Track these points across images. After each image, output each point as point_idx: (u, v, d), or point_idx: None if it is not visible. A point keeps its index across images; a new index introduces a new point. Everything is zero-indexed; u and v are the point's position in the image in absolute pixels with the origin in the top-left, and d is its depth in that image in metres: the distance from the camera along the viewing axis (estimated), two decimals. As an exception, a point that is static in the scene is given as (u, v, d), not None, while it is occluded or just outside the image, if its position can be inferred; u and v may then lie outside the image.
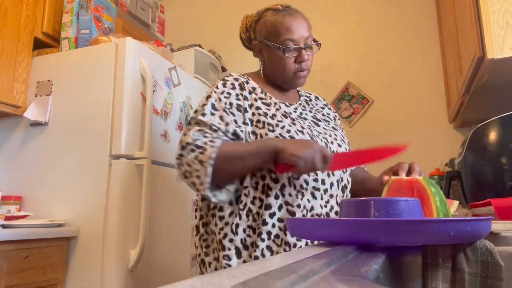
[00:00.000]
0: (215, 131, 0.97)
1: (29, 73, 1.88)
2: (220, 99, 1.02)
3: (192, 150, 0.92)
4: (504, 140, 1.16)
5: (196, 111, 1.03)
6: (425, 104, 2.25)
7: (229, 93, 1.04)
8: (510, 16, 1.20)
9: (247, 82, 1.08)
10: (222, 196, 0.96)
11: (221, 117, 0.99)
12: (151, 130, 1.70)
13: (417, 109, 2.26)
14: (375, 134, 2.32)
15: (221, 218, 0.99)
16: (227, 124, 0.99)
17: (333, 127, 1.17)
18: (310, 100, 1.25)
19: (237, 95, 1.04)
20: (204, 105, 1.02)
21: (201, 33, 2.82)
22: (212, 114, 1.00)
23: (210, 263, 1.00)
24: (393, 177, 0.86)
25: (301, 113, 1.13)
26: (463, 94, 1.63)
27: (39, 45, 1.96)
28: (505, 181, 1.13)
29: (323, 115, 1.22)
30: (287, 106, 1.11)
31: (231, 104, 1.02)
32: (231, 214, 0.99)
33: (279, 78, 1.11)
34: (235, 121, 1.00)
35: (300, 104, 1.17)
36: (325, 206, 1.00)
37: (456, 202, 0.83)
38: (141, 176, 1.64)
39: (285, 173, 0.97)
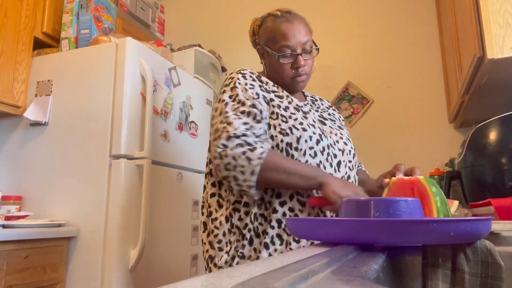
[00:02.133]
0: (259, 121, 0.98)
1: (29, 73, 1.88)
2: (246, 90, 1.02)
3: (241, 145, 0.91)
4: (504, 140, 1.16)
5: (223, 102, 1.01)
6: (425, 104, 2.25)
7: (252, 85, 1.04)
8: (510, 16, 1.20)
9: (260, 76, 1.11)
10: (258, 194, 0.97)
11: (253, 106, 0.99)
12: (151, 130, 1.70)
13: (417, 109, 2.26)
14: (375, 134, 2.32)
15: (247, 212, 1.00)
16: (261, 112, 0.99)
17: (339, 126, 1.18)
18: (316, 100, 1.28)
19: (260, 86, 1.05)
20: (235, 96, 1.01)
21: (201, 33, 2.82)
22: (246, 103, 1.00)
23: (221, 257, 1.00)
24: (394, 177, 0.86)
25: (309, 110, 1.15)
26: (463, 94, 1.63)
27: (39, 45, 1.96)
28: (505, 181, 1.13)
29: (329, 114, 1.24)
30: (299, 101, 1.13)
31: (257, 94, 1.02)
32: (250, 204, 1.00)
33: (279, 82, 1.13)
34: (264, 110, 1.01)
35: (307, 103, 1.20)
36: None
37: (456, 202, 0.84)
38: (141, 176, 1.64)
39: (316, 207, 0.98)
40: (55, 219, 1.60)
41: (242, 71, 1.09)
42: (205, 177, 1.12)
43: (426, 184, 0.75)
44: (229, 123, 0.95)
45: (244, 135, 0.93)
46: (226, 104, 1.00)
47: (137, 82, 1.73)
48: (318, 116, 1.16)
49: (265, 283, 0.20)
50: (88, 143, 1.67)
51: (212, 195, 1.07)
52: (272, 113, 1.02)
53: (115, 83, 1.69)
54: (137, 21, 2.58)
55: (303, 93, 1.27)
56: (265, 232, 0.96)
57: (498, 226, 0.64)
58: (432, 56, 2.27)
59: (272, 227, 0.96)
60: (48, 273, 1.51)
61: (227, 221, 1.01)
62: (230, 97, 1.01)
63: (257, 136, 0.95)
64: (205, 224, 1.08)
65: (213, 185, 1.08)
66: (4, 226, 1.47)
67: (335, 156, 1.06)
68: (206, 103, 2.28)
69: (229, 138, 0.92)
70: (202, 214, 1.10)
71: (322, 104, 1.28)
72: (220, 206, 1.05)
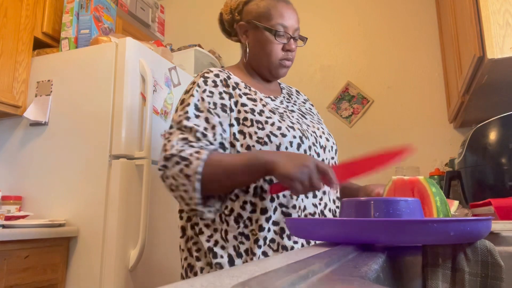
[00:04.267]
0: (199, 139, 0.89)
1: (29, 73, 1.88)
2: (203, 99, 0.94)
3: (177, 163, 0.84)
4: (504, 140, 1.16)
5: (177, 113, 0.94)
6: (425, 104, 2.25)
7: (211, 92, 0.96)
8: (510, 16, 1.20)
9: (229, 78, 1.01)
10: (215, 207, 0.90)
11: (206, 119, 0.92)
12: (151, 130, 1.70)
13: (417, 109, 2.26)
14: (375, 134, 2.32)
15: (208, 225, 0.92)
16: (213, 127, 0.92)
17: (318, 121, 1.13)
18: (292, 93, 1.20)
19: (220, 93, 0.96)
20: (186, 105, 0.93)
21: (201, 33, 2.82)
22: (197, 116, 0.92)
23: (202, 268, 0.91)
24: (394, 177, 0.86)
25: (287, 106, 1.08)
26: (463, 94, 1.63)
27: (39, 45, 1.96)
28: (505, 181, 1.13)
29: (306, 109, 1.17)
30: (272, 100, 1.06)
31: (215, 104, 0.94)
32: (215, 220, 0.91)
33: (263, 64, 1.05)
34: (221, 123, 0.93)
35: (284, 97, 1.13)
36: (319, 204, 0.96)
37: (456, 202, 0.84)
38: (141, 176, 1.64)
39: (280, 193, 0.89)
40: (55, 219, 1.60)
41: (206, 74, 1.00)
42: None
43: (426, 184, 0.75)
44: (169, 141, 0.89)
45: (180, 150, 0.86)
46: (176, 113, 0.94)
47: (137, 82, 1.73)
48: (297, 110, 1.10)
49: (265, 283, 0.20)
50: (88, 143, 1.67)
51: None
52: (245, 119, 0.93)
53: (115, 83, 1.69)
54: (137, 21, 2.58)
55: (279, 84, 1.19)
56: (251, 252, 0.88)
57: (498, 226, 0.64)
58: (432, 56, 2.27)
59: (259, 247, 0.87)
60: (48, 273, 1.51)
61: (208, 227, 0.93)
62: (184, 107, 0.93)
63: (196, 150, 0.87)
64: (183, 229, 0.98)
65: None
66: (4, 226, 1.47)
67: (318, 155, 1.00)
68: (206, 103, 2.28)
69: (166, 159, 0.86)
70: (181, 218, 1.00)
71: (298, 98, 1.20)
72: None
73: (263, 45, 1.03)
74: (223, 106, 0.95)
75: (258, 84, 1.09)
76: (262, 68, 1.06)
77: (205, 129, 0.91)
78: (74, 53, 1.83)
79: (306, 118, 1.09)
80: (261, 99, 1.01)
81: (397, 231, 0.38)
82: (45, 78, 1.84)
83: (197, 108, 0.93)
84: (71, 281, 1.57)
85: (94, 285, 1.52)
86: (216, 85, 0.97)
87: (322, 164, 0.80)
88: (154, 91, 1.79)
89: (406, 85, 2.31)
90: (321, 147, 1.02)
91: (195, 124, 0.90)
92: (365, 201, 0.50)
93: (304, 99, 1.23)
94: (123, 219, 1.56)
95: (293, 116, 1.05)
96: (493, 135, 1.20)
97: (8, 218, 1.55)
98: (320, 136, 1.04)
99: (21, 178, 1.78)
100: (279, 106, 1.06)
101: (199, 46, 2.50)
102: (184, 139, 0.89)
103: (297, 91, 1.25)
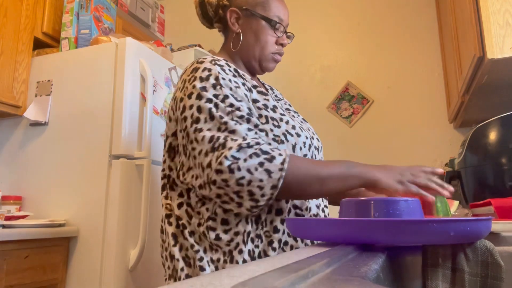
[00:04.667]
0: (261, 129, 0.83)
1: (29, 73, 1.88)
2: (233, 89, 0.84)
3: (256, 155, 0.74)
4: (504, 140, 1.16)
5: (210, 101, 0.81)
6: (425, 104, 2.25)
7: (236, 82, 0.86)
8: (510, 16, 1.20)
9: (236, 69, 0.92)
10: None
11: (250, 109, 0.83)
12: (151, 130, 1.70)
13: (417, 109, 2.26)
14: (375, 134, 2.32)
15: (228, 230, 0.83)
16: (256, 117, 0.84)
17: (303, 119, 1.09)
18: (272, 89, 1.14)
19: (242, 83, 0.88)
20: (223, 96, 0.82)
21: (201, 33, 2.82)
22: (241, 106, 0.82)
23: None
24: None
25: (281, 105, 1.03)
26: (463, 94, 1.63)
27: (39, 45, 1.96)
28: (505, 181, 1.13)
29: (289, 105, 1.12)
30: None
31: (246, 95, 0.86)
32: (239, 222, 0.83)
33: (254, 55, 0.98)
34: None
35: (272, 94, 1.08)
36: (320, 205, 0.96)
37: (456, 202, 0.84)
38: (141, 176, 1.64)
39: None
40: (55, 219, 1.60)
41: (218, 62, 0.88)
42: (165, 188, 0.94)
43: None
44: (232, 131, 0.78)
45: (257, 143, 0.76)
46: (216, 105, 0.81)
47: (137, 82, 1.73)
48: (285, 109, 1.04)
49: (265, 283, 0.20)
50: (88, 143, 1.67)
51: (181, 205, 0.89)
52: (260, 116, 0.86)
53: (115, 83, 1.69)
54: (137, 21, 2.58)
55: (258, 79, 1.11)
56: (265, 254, 0.82)
57: (498, 226, 0.64)
58: (432, 56, 2.27)
59: (274, 249, 0.82)
60: (48, 273, 1.51)
61: (205, 236, 0.84)
62: (216, 96, 0.81)
63: (269, 144, 0.81)
64: (175, 236, 0.88)
65: (180, 195, 0.89)
66: (4, 226, 1.47)
67: (315, 157, 0.97)
68: (206, 103, 2.28)
69: (240, 148, 0.74)
70: (170, 224, 0.90)
71: (278, 95, 1.13)
72: (190, 216, 0.88)
73: (258, 35, 0.97)
74: (245, 96, 0.87)
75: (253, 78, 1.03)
76: (251, 59, 0.99)
77: (256, 116, 0.84)
78: (74, 53, 1.83)
79: (298, 117, 1.06)
80: (270, 93, 0.97)
81: (397, 231, 0.38)
82: (45, 78, 1.84)
83: (235, 99, 0.83)
84: (71, 281, 1.57)
85: (94, 285, 1.52)
86: (234, 75, 0.88)
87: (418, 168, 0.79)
88: (154, 91, 1.79)
89: (406, 85, 2.31)
90: (315, 148, 0.98)
91: (246, 111, 0.82)
92: (365, 201, 0.50)
93: (281, 97, 1.16)
94: (123, 219, 1.56)
95: (294, 115, 1.02)
96: (493, 135, 1.20)
97: (8, 218, 1.55)
98: (312, 138, 1.01)
99: (21, 178, 1.78)
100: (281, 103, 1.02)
101: (199, 46, 2.50)
102: (251, 129, 0.80)
103: (271, 87, 1.16)
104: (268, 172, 0.74)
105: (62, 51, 1.90)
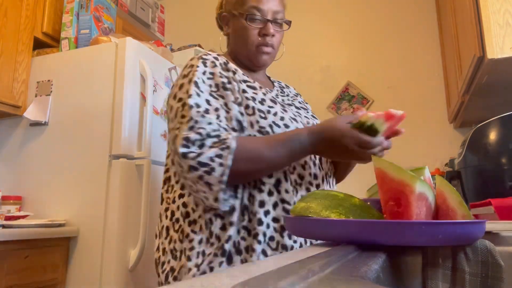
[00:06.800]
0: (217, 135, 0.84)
1: (29, 73, 1.88)
2: (203, 81, 0.88)
3: (195, 169, 0.78)
4: (504, 140, 1.16)
5: (181, 102, 0.86)
6: (425, 104, 2.25)
7: (212, 73, 0.90)
8: (510, 16, 1.20)
9: (226, 63, 0.96)
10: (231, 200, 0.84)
11: (208, 102, 0.86)
12: (151, 130, 1.70)
13: (417, 109, 2.26)
14: (375, 134, 2.32)
15: (231, 223, 0.84)
16: (216, 110, 0.85)
17: (312, 115, 1.10)
18: (283, 87, 1.16)
19: (220, 73, 0.91)
20: (189, 94, 0.85)
21: (201, 33, 2.82)
22: (208, 101, 0.86)
23: (189, 270, 0.82)
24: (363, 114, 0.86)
25: (283, 100, 1.05)
26: (463, 94, 1.63)
27: (39, 45, 1.96)
28: (505, 181, 1.13)
29: (299, 103, 1.13)
30: (269, 92, 1.01)
31: (217, 85, 0.89)
32: (232, 212, 0.84)
33: (242, 52, 1.01)
34: (226, 104, 0.87)
35: (278, 90, 1.09)
36: None
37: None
38: (141, 176, 1.64)
39: None
40: (55, 219, 1.60)
41: (204, 56, 0.93)
42: (168, 181, 0.96)
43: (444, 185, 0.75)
44: (190, 141, 0.80)
45: (199, 154, 0.79)
46: (180, 103, 0.86)
47: (137, 82, 1.73)
48: (292, 104, 1.07)
49: (265, 283, 0.20)
50: (88, 143, 1.67)
51: (181, 196, 0.91)
52: (247, 107, 0.88)
53: (115, 83, 1.69)
54: (137, 21, 2.58)
55: (269, 78, 1.14)
56: (250, 249, 0.82)
57: (498, 226, 0.64)
58: (432, 56, 2.27)
59: (259, 242, 0.82)
60: (48, 273, 1.51)
61: (206, 227, 0.85)
62: (187, 93, 0.86)
63: (218, 137, 0.82)
64: (167, 229, 0.91)
65: (182, 188, 0.92)
66: (4, 226, 1.47)
67: None
68: (206, 103, 2.28)
69: (188, 140, 0.79)
70: (166, 217, 0.93)
71: (290, 92, 1.15)
72: (191, 211, 0.88)
73: (239, 32, 0.99)
74: (223, 84, 0.90)
75: (249, 75, 1.04)
76: (242, 57, 1.02)
77: (207, 110, 0.85)
78: (74, 53, 1.83)
79: (301, 113, 1.06)
80: (260, 87, 0.96)
81: (397, 231, 0.38)
82: (45, 78, 1.84)
83: (197, 92, 0.87)
84: (71, 281, 1.57)
85: (94, 285, 1.52)
86: (215, 66, 0.92)
87: (357, 137, 0.83)
88: (154, 91, 1.79)
89: (406, 85, 2.31)
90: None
91: (206, 118, 0.85)
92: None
93: (295, 93, 1.18)
94: (123, 219, 1.56)
95: (291, 110, 1.01)
96: (493, 135, 1.20)
97: (8, 218, 1.55)
98: None
99: (21, 178, 1.78)
100: (276, 99, 1.02)
101: (199, 46, 2.50)
102: (209, 123, 0.83)
103: (287, 85, 1.20)
104: (209, 185, 0.78)
105: (62, 51, 1.90)
